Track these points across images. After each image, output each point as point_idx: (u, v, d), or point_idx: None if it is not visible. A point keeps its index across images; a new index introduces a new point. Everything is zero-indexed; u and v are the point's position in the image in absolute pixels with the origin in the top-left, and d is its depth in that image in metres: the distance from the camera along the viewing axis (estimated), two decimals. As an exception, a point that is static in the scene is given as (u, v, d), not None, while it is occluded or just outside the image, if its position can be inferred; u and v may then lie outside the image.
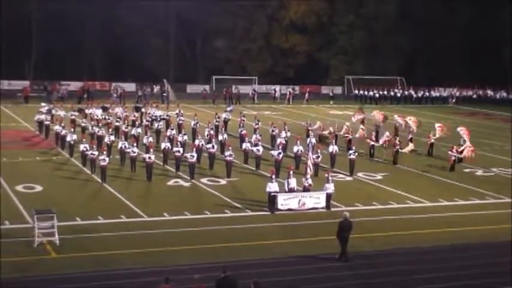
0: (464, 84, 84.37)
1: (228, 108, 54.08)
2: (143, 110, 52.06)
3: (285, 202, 28.89)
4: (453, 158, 39.14)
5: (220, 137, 40.79)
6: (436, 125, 46.72)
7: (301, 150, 37.13)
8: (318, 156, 35.52)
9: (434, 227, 27.44)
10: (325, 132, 44.67)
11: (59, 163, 37.16)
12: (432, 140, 43.71)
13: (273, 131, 43.29)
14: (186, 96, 71.97)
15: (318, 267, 22.22)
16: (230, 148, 35.45)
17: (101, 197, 30.58)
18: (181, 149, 35.95)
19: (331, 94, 76.68)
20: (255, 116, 48.95)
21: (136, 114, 49.67)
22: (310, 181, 30.16)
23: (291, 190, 29.53)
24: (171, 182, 33.46)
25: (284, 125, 43.17)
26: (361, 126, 46.54)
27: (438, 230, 27.07)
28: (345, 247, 22.68)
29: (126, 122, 44.69)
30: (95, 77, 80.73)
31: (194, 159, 34.43)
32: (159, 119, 46.87)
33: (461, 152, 40.30)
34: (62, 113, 48.22)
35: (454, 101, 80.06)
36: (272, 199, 28.67)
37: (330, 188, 29.51)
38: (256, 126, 43.76)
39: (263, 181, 31.52)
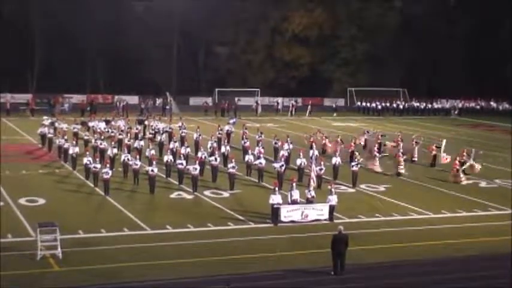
0: (467, 96, 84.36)
1: (231, 121, 54.10)
2: (146, 122, 52.14)
3: (288, 214, 28.85)
4: (456, 169, 39.08)
5: (223, 150, 40.79)
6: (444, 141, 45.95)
7: (304, 163, 37.13)
8: (321, 169, 35.54)
9: (437, 239, 27.33)
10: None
11: (61, 176, 37.16)
12: (435, 152, 43.68)
13: (275, 143, 43.28)
14: (188, 109, 71.91)
15: (318, 279, 22.12)
16: (233, 160, 35.51)
17: (104, 210, 30.55)
18: (184, 162, 35.98)
19: (334, 106, 76.47)
20: (258, 129, 48.94)
21: (139, 127, 49.73)
22: (313, 193, 30.17)
23: (294, 202, 29.51)
24: (174, 195, 33.43)
25: (287, 138, 43.17)
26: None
27: (441, 242, 26.97)
28: (341, 261, 22.38)
29: (129, 134, 44.72)
30: (97, 90, 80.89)
31: (197, 172, 34.41)
32: (161, 132, 46.90)
33: (463, 164, 40.18)
34: (64, 126, 48.30)
35: (456, 112, 80.00)
36: (275, 211, 28.64)
37: (333, 199, 29.48)
38: (259, 139, 43.83)
39: (266, 193, 31.50)
